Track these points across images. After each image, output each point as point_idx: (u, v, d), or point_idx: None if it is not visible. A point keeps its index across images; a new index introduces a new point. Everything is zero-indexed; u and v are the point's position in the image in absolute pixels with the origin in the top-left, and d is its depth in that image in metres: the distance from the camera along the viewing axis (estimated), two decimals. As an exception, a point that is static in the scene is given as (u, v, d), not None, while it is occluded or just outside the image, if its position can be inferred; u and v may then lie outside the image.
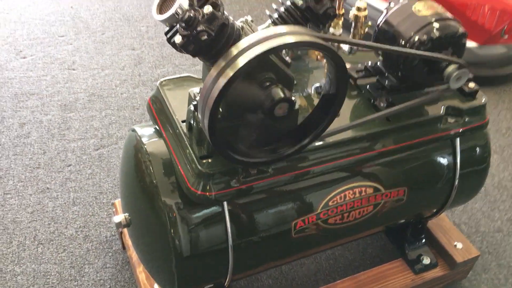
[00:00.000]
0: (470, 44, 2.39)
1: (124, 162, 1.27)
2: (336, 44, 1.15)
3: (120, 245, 1.66)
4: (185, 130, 1.11)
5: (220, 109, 1.00)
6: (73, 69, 2.39)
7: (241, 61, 0.87)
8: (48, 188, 1.84)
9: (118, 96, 2.25)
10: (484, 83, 2.48)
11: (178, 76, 1.25)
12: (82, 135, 2.05)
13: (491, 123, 2.28)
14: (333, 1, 0.97)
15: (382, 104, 1.21)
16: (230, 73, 0.87)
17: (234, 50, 0.88)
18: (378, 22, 1.22)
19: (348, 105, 1.25)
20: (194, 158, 1.05)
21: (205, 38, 0.85)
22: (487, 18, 2.31)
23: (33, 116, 2.12)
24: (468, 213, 1.88)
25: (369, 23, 1.12)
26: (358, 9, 1.10)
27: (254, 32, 1.00)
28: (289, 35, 0.89)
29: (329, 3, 0.95)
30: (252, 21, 1.01)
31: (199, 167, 1.03)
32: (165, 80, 1.24)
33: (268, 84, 0.95)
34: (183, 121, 1.12)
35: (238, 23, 1.00)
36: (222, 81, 0.87)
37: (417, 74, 1.18)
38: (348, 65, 1.31)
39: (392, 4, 1.22)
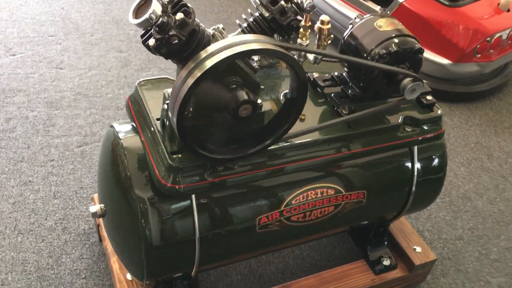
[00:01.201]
0: (444, 61, 2.50)
1: (102, 156, 1.35)
2: (302, 54, 1.24)
3: (97, 237, 1.73)
4: (159, 127, 1.19)
5: (191, 108, 1.08)
6: (61, 68, 2.47)
7: (208, 64, 0.96)
8: (30, 181, 1.91)
9: (103, 96, 2.33)
10: (457, 99, 2.60)
11: (156, 77, 1.34)
12: (66, 132, 2.13)
13: (461, 137, 2.39)
14: (297, 14, 1.06)
15: (344, 112, 1.30)
16: (197, 73, 0.96)
17: (203, 54, 0.97)
18: (344, 34, 1.32)
19: (314, 111, 1.34)
20: (166, 153, 1.13)
21: (176, 42, 0.94)
22: (461, 37, 2.43)
23: (19, 112, 2.19)
24: (432, 220, 1.97)
25: (331, 36, 1.22)
26: (322, 22, 1.19)
27: (224, 39, 1.09)
28: (253, 43, 0.99)
29: (293, 16, 1.04)
30: (223, 29, 1.11)
31: (169, 161, 1.12)
32: (143, 81, 1.32)
33: (234, 86, 1.04)
34: (158, 119, 1.20)
35: (210, 31, 1.09)
36: (190, 81, 0.96)
37: (376, 85, 1.28)
38: (316, 74, 1.41)
39: (357, 19, 1.32)
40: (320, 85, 1.37)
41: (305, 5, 1.05)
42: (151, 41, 0.96)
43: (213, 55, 0.97)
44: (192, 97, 1.01)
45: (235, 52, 0.95)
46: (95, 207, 1.34)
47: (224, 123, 1.07)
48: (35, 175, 1.93)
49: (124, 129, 1.29)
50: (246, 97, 1.01)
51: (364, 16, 1.31)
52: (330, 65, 1.45)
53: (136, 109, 1.28)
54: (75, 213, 1.81)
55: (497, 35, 2.43)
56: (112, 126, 1.32)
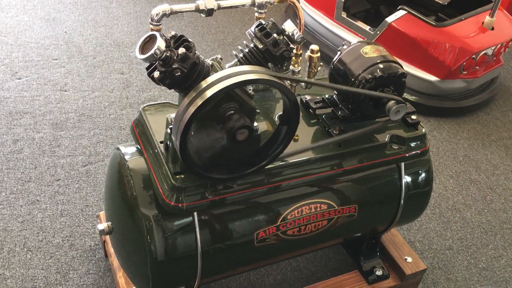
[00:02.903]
0: (432, 78, 2.61)
1: (109, 177, 1.44)
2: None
3: (103, 253, 1.82)
4: (162, 150, 1.28)
5: (192, 133, 1.18)
6: (65, 91, 2.57)
7: (209, 93, 1.06)
8: (38, 200, 2.00)
9: (106, 117, 2.43)
10: (446, 114, 2.71)
11: (159, 102, 1.44)
12: (71, 152, 2.22)
13: (449, 151, 2.49)
14: (289, 45, 1.16)
15: (335, 132, 1.40)
16: (199, 102, 1.05)
17: (203, 84, 1.07)
18: (333, 60, 1.42)
19: (307, 131, 1.44)
20: (169, 174, 1.22)
21: (179, 74, 1.04)
22: (447, 55, 2.54)
23: (26, 134, 2.28)
24: (423, 231, 2.06)
25: (321, 63, 1.32)
26: (312, 51, 1.29)
27: (222, 69, 1.19)
28: (249, 73, 1.09)
29: (285, 47, 1.14)
30: (221, 59, 1.21)
31: (173, 181, 1.21)
32: (147, 106, 1.42)
33: (231, 112, 1.13)
34: (161, 142, 1.30)
35: (209, 61, 1.19)
36: (192, 109, 1.06)
37: (364, 107, 1.38)
38: (308, 97, 1.51)
39: (345, 46, 1.42)
40: (312, 106, 1.47)
41: (295, 37, 1.15)
42: (156, 74, 1.06)
43: (213, 85, 1.07)
44: (193, 123, 1.11)
45: (233, 82, 1.05)
46: (103, 225, 1.42)
47: (222, 146, 1.16)
48: (42, 194, 2.02)
49: (129, 151, 1.38)
50: (242, 122, 1.11)
51: (351, 43, 1.42)
52: (321, 88, 1.55)
53: (140, 132, 1.38)
54: (82, 230, 1.90)
55: (482, 53, 2.54)
56: (118, 148, 1.41)
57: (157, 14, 1.16)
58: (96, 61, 2.81)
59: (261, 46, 1.14)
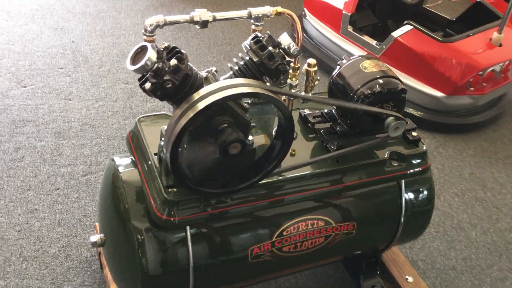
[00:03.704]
0: (438, 94, 2.58)
1: (103, 188, 1.42)
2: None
3: (98, 265, 1.80)
4: (156, 162, 1.27)
5: (185, 145, 1.16)
6: (69, 99, 2.57)
7: (201, 105, 1.04)
8: (36, 209, 1.99)
9: (109, 127, 2.42)
10: (452, 131, 2.67)
11: (155, 113, 1.43)
12: (72, 161, 2.21)
13: (455, 168, 2.44)
14: (284, 59, 1.14)
15: (333, 147, 1.37)
16: (190, 114, 1.04)
17: (195, 96, 1.05)
18: (333, 74, 1.40)
19: (305, 146, 1.42)
20: (161, 187, 1.21)
21: (170, 86, 1.03)
22: (453, 71, 2.51)
23: (28, 142, 2.28)
24: (426, 250, 2.02)
25: (318, 77, 1.30)
26: (309, 65, 1.27)
27: (216, 81, 1.18)
28: (243, 86, 1.07)
29: (280, 60, 1.13)
30: (216, 71, 1.19)
31: (165, 195, 1.19)
32: (143, 117, 1.40)
33: (224, 126, 1.12)
34: (155, 154, 1.28)
35: (204, 73, 1.18)
36: (183, 121, 1.04)
37: (363, 123, 1.35)
38: (307, 111, 1.49)
39: (344, 60, 1.40)
40: (310, 121, 1.45)
41: (291, 51, 1.14)
42: (147, 85, 1.05)
43: (205, 97, 1.05)
44: (185, 135, 1.09)
45: (226, 95, 1.04)
46: (96, 237, 1.41)
47: (215, 160, 1.14)
48: (41, 203, 2.01)
49: (124, 162, 1.37)
50: (235, 136, 1.09)
51: (351, 58, 1.40)
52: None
53: (135, 143, 1.36)
54: (78, 241, 1.88)
55: (490, 69, 2.50)
56: (113, 160, 1.39)
57: (150, 25, 1.15)
58: (102, 70, 2.81)
59: (256, 59, 1.13)
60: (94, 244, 1.41)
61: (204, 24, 1.19)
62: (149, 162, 1.28)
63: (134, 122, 1.39)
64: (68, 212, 1.99)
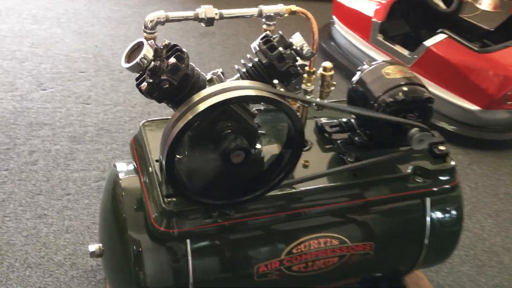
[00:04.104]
0: (473, 107, 2.42)
1: (104, 195, 1.35)
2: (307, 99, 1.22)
3: (103, 275, 1.72)
4: (157, 169, 1.18)
5: (186, 152, 1.07)
6: (87, 104, 2.53)
7: (201, 107, 0.95)
8: (45, 214, 1.93)
9: (125, 132, 2.37)
10: (486, 147, 2.50)
11: (161, 118, 1.34)
12: (85, 167, 2.16)
13: (489, 187, 2.28)
14: (296, 61, 1.04)
15: (350, 159, 1.26)
16: (189, 116, 0.95)
17: (196, 97, 0.96)
18: (353, 80, 1.29)
19: (319, 157, 1.31)
20: (160, 196, 1.12)
21: (167, 86, 0.94)
22: (490, 83, 2.35)
23: (43, 145, 2.24)
24: (454, 275, 1.86)
25: (334, 83, 1.19)
26: (325, 69, 1.17)
27: (220, 83, 1.08)
28: (249, 89, 0.97)
29: (291, 62, 1.03)
30: (222, 73, 1.10)
31: (163, 204, 1.10)
32: (148, 121, 1.32)
33: (228, 132, 1.02)
34: (157, 161, 1.20)
35: (209, 75, 1.09)
36: (181, 124, 0.95)
37: (383, 133, 1.23)
38: (324, 120, 1.38)
39: (365, 66, 1.29)
40: (327, 131, 1.34)
41: (304, 52, 1.04)
42: (143, 85, 0.96)
43: (206, 99, 0.96)
44: (184, 140, 1.00)
45: (228, 97, 0.94)
46: (94, 247, 1.33)
47: (217, 168, 1.05)
48: (50, 208, 1.96)
49: (125, 168, 1.29)
50: (238, 143, 0.99)
51: (373, 63, 1.29)
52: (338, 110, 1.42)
53: (138, 149, 1.29)
54: (85, 249, 1.81)
55: (529, 82, 2.34)
56: (115, 165, 1.32)
57: (151, 21, 1.07)
58: (122, 75, 2.77)
59: (265, 61, 1.03)
60: (92, 254, 1.33)
61: (209, 21, 1.10)
62: (150, 169, 1.19)
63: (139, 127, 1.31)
64: (77, 219, 1.92)
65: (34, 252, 1.79)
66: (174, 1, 3.61)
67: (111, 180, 1.30)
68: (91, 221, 1.92)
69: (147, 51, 0.92)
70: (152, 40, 1.00)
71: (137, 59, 0.92)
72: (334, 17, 3.07)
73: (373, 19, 2.74)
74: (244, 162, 1.02)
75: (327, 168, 1.27)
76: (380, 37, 2.74)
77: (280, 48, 1.03)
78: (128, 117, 2.47)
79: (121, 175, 1.26)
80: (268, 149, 1.22)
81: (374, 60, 2.68)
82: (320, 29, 3.27)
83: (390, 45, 2.70)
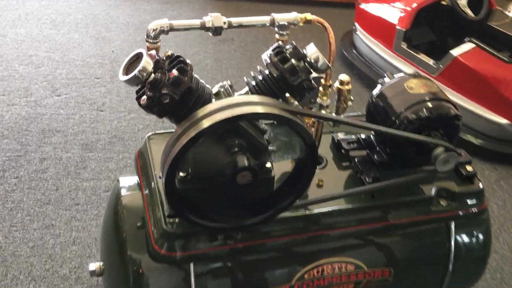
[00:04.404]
0: (502, 120, 2.30)
1: (106, 211, 1.28)
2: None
3: (109, 291, 1.65)
4: (160, 186, 1.11)
5: (189, 169, 1.00)
6: (101, 110, 2.49)
7: (205, 123, 0.87)
8: (53, 224, 1.88)
9: (138, 140, 2.31)
10: (516, 162, 2.37)
11: (168, 131, 1.27)
12: (96, 176, 2.10)
13: (518, 206, 2.15)
14: (310, 74, 0.96)
15: (368, 179, 1.17)
16: (192, 133, 0.87)
17: (200, 113, 0.89)
18: (373, 93, 1.21)
19: (335, 176, 1.22)
20: (162, 216, 1.04)
21: (167, 101, 0.87)
22: (521, 95, 2.23)
23: (54, 153, 2.20)
24: (479, 301, 1.75)
25: (352, 98, 1.10)
26: (341, 82, 1.08)
27: (229, 96, 1.01)
28: (257, 105, 0.89)
29: (304, 75, 0.94)
30: (231, 86, 1.02)
31: (164, 226, 1.03)
32: (154, 134, 1.25)
33: (235, 150, 0.94)
34: (160, 177, 1.12)
35: (216, 88, 1.01)
36: (183, 140, 0.87)
37: (404, 152, 1.14)
38: (341, 135, 1.29)
39: (386, 78, 1.20)
40: (344, 147, 1.25)
41: (318, 65, 0.95)
42: (143, 99, 0.89)
43: (210, 115, 0.89)
44: (186, 157, 0.93)
45: (234, 114, 0.87)
46: (94, 265, 1.26)
47: (221, 188, 0.97)
48: (58, 218, 1.90)
49: (128, 183, 1.22)
50: (245, 163, 0.91)
51: (395, 75, 1.20)
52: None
53: (142, 164, 1.22)
54: (91, 262, 1.75)
55: (563, 95, 2.20)
56: (118, 180, 1.25)
57: (153, 30, 1.00)
58: (138, 82, 2.72)
59: (276, 74, 0.95)
60: (92, 273, 1.26)
61: (217, 31, 1.03)
62: (153, 186, 1.12)
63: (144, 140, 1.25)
64: (85, 230, 1.86)
65: (39, 264, 1.74)
66: (195, 8, 3.56)
67: (114, 195, 1.23)
68: (99, 233, 1.85)
69: (146, 63, 0.85)
70: (154, 51, 0.93)
71: (135, 71, 0.85)
72: (356, 24, 2.98)
73: (397, 27, 2.63)
74: (251, 183, 0.94)
75: (343, 189, 1.18)
76: (404, 45, 2.63)
77: (293, 60, 0.95)
78: (142, 125, 2.41)
79: (123, 191, 1.19)
80: (280, 167, 1.14)
81: (398, 69, 2.62)
82: (342, 36, 3.18)
83: (414, 53, 2.59)
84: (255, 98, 0.92)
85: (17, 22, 3.18)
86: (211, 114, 0.89)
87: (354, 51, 3.02)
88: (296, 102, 1.12)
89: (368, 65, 2.89)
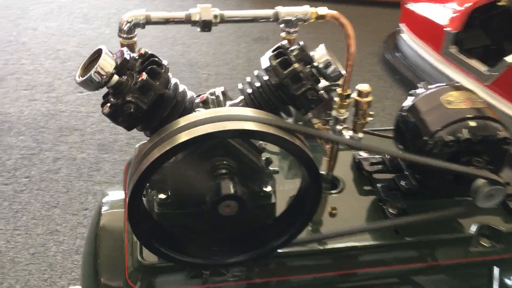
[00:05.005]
0: None
1: (88, 228, 1.14)
2: (337, 130, 0.94)
3: (106, 308, 1.52)
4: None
5: (169, 193, 0.83)
6: (123, 110, 2.38)
7: (183, 137, 0.70)
8: (57, 230, 1.77)
9: (157, 143, 2.18)
10: None
11: (162, 140, 1.11)
12: (109, 179, 1.98)
13: None
14: (318, 82, 0.77)
15: (391, 211, 0.96)
16: (166, 147, 0.70)
17: (174, 125, 0.72)
18: (402, 106, 1.00)
19: (352, 203, 1.03)
20: (138, 244, 0.88)
21: (131, 111, 0.70)
22: None
23: (69, 152, 2.10)
24: None
25: (372, 112, 0.90)
26: (359, 93, 0.88)
27: (218, 106, 0.83)
28: (246, 121, 0.71)
29: (310, 84, 0.75)
30: (224, 92, 0.85)
31: (139, 257, 0.86)
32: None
33: (221, 172, 0.77)
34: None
35: (207, 95, 0.84)
36: (155, 154, 0.71)
37: (438, 181, 0.93)
38: (363, 154, 1.09)
39: (420, 89, 0.99)
40: (365, 168, 1.05)
41: (328, 71, 0.76)
42: (105, 107, 0.73)
43: (191, 127, 0.71)
44: (164, 176, 0.77)
45: (210, 131, 0.69)
46: (74, 289, 1.12)
47: (206, 216, 0.79)
48: (64, 224, 1.80)
49: (113, 199, 1.07)
50: (230, 190, 0.74)
51: (430, 86, 0.98)
52: (385, 141, 1.12)
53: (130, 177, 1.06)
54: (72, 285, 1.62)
55: None
56: (107, 194, 1.11)
57: (127, 22, 0.84)
58: (164, 80, 2.59)
59: (275, 80, 0.76)
60: (70, 298, 1.12)
61: (205, 25, 0.85)
62: (136, 205, 0.96)
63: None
64: (90, 238, 1.74)
65: (38, 273, 1.63)
66: (230, 3, 3.41)
67: (97, 211, 1.08)
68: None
69: (105, 62, 0.69)
70: (126, 48, 0.76)
71: (91, 72, 0.68)
72: (401, 25, 2.74)
73: (446, 29, 2.38)
74: (239, 213, 0.76)
75: (360, 220, 0.98)
76: (453, 49, 2.38)
77: (296, 65, 0.76)
78: (162, 126, 2.28)
79: (104, 209, 1.04)
80: (289, 188, 0.96)
81: (445, 75, 2.36)
82: (385, 38, 2.95)
83: (464, 59, 2.33)
84: (245, 111, 0.74)
85: (49, 15, 3.12)
86: (190, 127, 0.71)
87: (397, 54, 2.78)
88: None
89: (412, 70, 2.64)
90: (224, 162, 0.78)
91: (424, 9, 2.60)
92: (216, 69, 2.68)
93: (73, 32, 2.97)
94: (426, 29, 2.55)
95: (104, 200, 1.07)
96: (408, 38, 2.66)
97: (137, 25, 0.83)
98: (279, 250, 0.86)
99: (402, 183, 1.00)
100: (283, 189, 0.96)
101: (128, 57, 0.74)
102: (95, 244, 1.01)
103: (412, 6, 2.66)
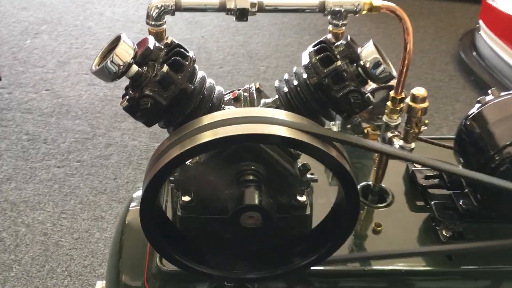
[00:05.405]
0: None
1: (117, 223, 1.09)
2: (386, 138, 0.83)
3: (142, 301, 1.49)
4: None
5: (192, 195, 0.76)
6: (178, 98, 2.35)
7: (207, 136, 0.62)
8: (102, 217, 1.77)
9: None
10: None
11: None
12: (157, 169, 1.96)
13: None
14: (364, 83, 0.67)
15: (445, 233, 0.84)
16: (187, 145, 0.63)
17: (197, 122, 0.65)
18: (467, 115, 0.87)
19: (401, 220, 0.91)
20: (160, 248, 0.82)
21: (147, 107, 0.63)
22: None
23: (121, 139, 2.09)
24: None
25: (427, 121, 0.78)
26: (414, 98, 0.76)
27: (250, 104, 0.75)
28: (278, 125, 0.62)
29: (353, 85, 0.65)
30: (259, 89, 0.77)
31: (158, 262, 0.80)
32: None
33: (247, 179, 0.69)
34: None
35: (239, 91, 0.76)
36: (175, 152, 0.64)
37: (503, 203, 0.80)
38: (417, 166, 0.97)
39: (489, 96, 0.86)
40: (420, 183, 0.93)
41: (377, 72, 0.65)
42: (123, 100, 0.67)
43: (216, 126, 0.64)
44: (188, 178, 0.70)
45: (230, 134, 0.61)
46: (100, 283, 1.08)
47: (226, 225, 0.72)
48: (109, 211, 1.79)
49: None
50: (253, 201, 0.65)
51: (502, 94, 0.85)
52: (443, 151, 0.99)
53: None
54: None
55: None
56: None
57: (156, 8, 0.77)
58: (222, 71, 2.54)
59: (313, 80, 0.67)
60: (96, 294, 1.08)
61: (241, 14, 0.77)
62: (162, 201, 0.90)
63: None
64: (133, 228, 1.72)
65: (79, 259, 1.63)
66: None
67: (126, 206, 1.04)
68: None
69: (122, 51, 0.62)
70: (151, 36, 0.70)
71: (107, 61, 0.62)
72: (480, 22, 2.52)
73: (531, 28, 2.16)
74: (265, 225, 0.68)
75: (407, 240, 0.86)
76: (538, 51, 2.15)
77: (339, 63, 0.66)
78: (216, 117, 2.23)
79: (132, 204, 0.99)
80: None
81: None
82: (462, 35, 2.74)
83: (550, 62, 2.10)
84: (279, 114, 0.65)
85: (117, 0, 3.15)
86: (216, 126, 0.64)
87: (474, 53, 2.57)
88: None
89: (490, 72, 2.42)
90: (252, 167, 0.70)
91: (507, 6, 2.37)
92: (276, 61, 2.59)
93: (137, 18, 2.99)
94: (508, 28, 2.32)
95: (134, 195, 1.02)
96: (487, 37, 2.44)
97: (166, 11, 0.75)
98: (312, 268, 0.77)
99: (460, 202, 0.87)
100: (324, 200, 0.86)
101: (152, 47, 0.67)
102: (120, 241, 0.97)
103: (494, 2, 2.44)
